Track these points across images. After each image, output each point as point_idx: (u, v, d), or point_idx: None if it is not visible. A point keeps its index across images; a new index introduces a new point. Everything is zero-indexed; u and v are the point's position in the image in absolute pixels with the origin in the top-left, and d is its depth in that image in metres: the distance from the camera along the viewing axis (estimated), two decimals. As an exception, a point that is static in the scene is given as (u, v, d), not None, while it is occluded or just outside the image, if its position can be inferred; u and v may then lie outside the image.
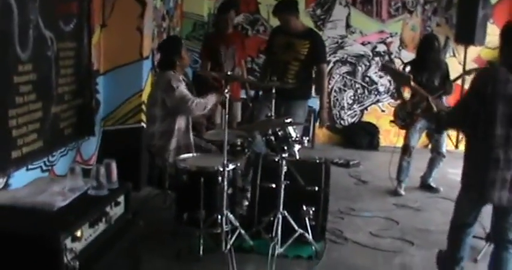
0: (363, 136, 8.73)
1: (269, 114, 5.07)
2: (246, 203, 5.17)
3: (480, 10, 7.54)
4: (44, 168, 4.44)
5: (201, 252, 4.26)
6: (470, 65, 8.07)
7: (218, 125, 6.34)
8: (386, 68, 7.42)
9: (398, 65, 8.29)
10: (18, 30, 3.79)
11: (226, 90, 4.27)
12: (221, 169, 4.23)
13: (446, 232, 3.95)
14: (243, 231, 4.40)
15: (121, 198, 3.45)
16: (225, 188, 4.22)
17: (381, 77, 8.83)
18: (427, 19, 8.62)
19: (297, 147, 4.65)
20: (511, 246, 3.65)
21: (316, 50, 5.70)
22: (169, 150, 4.89)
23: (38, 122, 4.19)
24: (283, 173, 4.35)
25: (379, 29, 8.77)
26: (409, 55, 7.99)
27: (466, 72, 6.63)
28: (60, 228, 2.75)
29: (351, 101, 8.98)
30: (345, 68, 8.88)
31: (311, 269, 4.32)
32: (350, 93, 8.95)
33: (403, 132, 6.37)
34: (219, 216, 4.25)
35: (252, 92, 7.00)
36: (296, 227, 4.41)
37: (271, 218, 4.40)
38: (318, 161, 4.88)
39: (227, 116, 4.27)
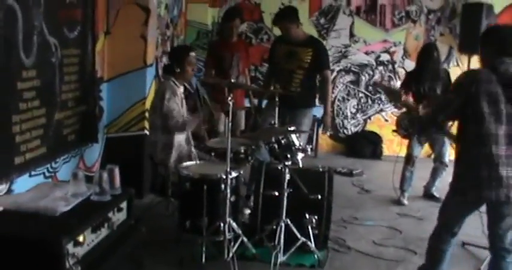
0: (366, 145, 8.72)
1: (272, 122, 5.06)
2: (248, 211, 5.16)
3: (484, 20, 7.52)
4: (47, 174, 4.44)
5: (203, 260, 4.22)
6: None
7: (221, 133, 6.33)
8: (379, 86, 7.45)
9: (401, 74, 8.29)
10: (22, 36, 3.81)
11: (229, 98, 4.26)
12: (224, 177, 4.22)
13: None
14: (245, 239, 4.38)
15: (124, 204, 3.46)
16: (228, 195, 4.21)
17: (384, 86, 8.83)
18: (431, 28, 8.63)
19: (300, 155, 4.64)
20: (507, 255, 3.66)
21: (319, 57, 5.70)
22: (171, 163, 4.90)
23: (42, 128, 4.20)
24: (286, 181, 4.35)
25: (382, 38, 8.78)
26: (412, 64, 7.89)
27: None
28: (62, 233, 2.76)
29: (354, 110, 8.97)
30: (348, 77, 8.89)
31: (314, 278, 4.31)
32: (353, 102, 8.95)
33: (406, 141, 6.36)
34: (222, 224, 4.24)
35: (255, 101, 7.00)
36: (299, 236, 4.40)
37: (274, 226, 4.38)
38: (321, 169, 4.86)
39: (230, 124, 4.27)
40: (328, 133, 6.14)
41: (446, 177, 6.48)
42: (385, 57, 8.80)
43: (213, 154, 4.96)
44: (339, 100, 8.93)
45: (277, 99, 4.97)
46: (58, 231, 2.78)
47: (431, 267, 3.93)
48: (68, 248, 2.74)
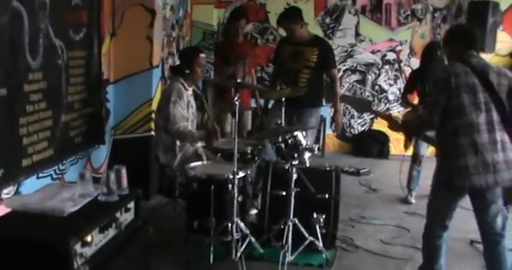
0: (373, 144, 8.71)
1: (279, 122, 5.06)
2: (255, 211, 5.16)
3: (490, 17, 7.51)
4: (54, 176, 4.46)
5: (211, 260, 4.22)
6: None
7: (228, 134, 6.33)
8: (344, 99, 7.43)
9: (407, 72, 8.27)
10: (28, 39, 3.83)
11: (236, 98, 4.26)
12: (231, 177, 4.23)
13: (457, 239, 3.95)
14: (253, 239, 4.38)
15: (131, 205, 3.46)
16: (235, 195, 4.21)
17: (390, 85, 8.83)
18: (437, 27, 8.62)
19: (307, 155, 4.62)
20: (501, 239, 3.73)
21: (325, 56, 5.69)
22: (175, 165, 4.90)
23: (48, 130, 4.22)
24: (294, 180, 4.34)
25: (388, 37, 8.78)
26: (418, 63, 7.95)
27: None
28: (70, 233, 2.76)
29: (360, 110, 8.95)
30: (354, 77, 8.89)
31: (322, 277, 4.31)
32: (360, 101, 8.93)
33: (412, 140, 6.33)
34: (229, 224, 4.24)
35: (261, 101, 7.00)
36: (306, 235, 4.39)
37: (282, 226, 4.37)
38: (328, 168, 4.86)
39: (237, 124, 4.27)
40: (340, 131, 6.10)
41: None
42: (391, 56, 8.80)
43: (219, 155, 4.96)
44: (345, 99, 8.91)
45: (283, 99, 4.97)
46: (66, 232, 2.78)
47: (429, 265, 3.94)
48: (76, 248, 2.74)
